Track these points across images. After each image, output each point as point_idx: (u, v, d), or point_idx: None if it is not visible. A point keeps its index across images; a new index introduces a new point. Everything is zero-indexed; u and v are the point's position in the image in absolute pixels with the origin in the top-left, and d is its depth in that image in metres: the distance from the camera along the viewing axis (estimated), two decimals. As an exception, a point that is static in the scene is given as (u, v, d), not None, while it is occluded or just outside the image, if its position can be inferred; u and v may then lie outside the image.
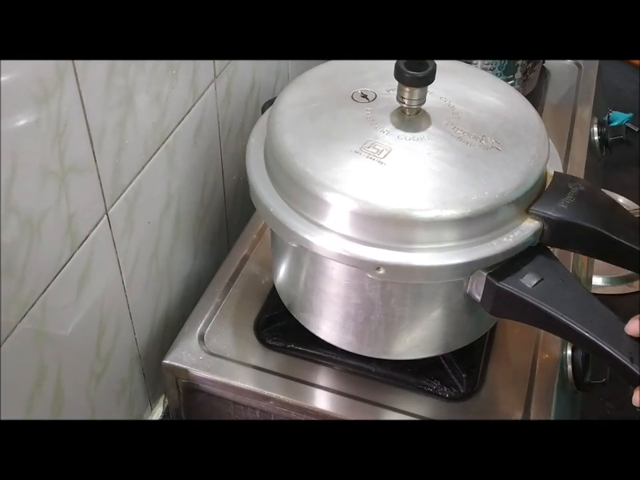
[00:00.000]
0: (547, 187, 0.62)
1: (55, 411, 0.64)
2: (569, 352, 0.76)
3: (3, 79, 0.49)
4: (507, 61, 0.97)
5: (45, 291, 0.59)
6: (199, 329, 0.77)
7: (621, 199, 1.56)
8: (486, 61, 0.97)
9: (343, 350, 0.72)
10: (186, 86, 0.75)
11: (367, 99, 0.66)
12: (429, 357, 0.71)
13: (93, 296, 0.66)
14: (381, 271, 0.59)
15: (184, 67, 0.73)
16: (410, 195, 0.59)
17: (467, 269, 0.60)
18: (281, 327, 0.76)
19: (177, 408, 0.79)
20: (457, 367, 0.72)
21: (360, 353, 0.71)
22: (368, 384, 0.72)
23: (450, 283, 0.63)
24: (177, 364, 0.74)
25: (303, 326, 0.73)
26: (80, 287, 0.64)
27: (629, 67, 1.94)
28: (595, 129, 1.09)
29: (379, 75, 0.68)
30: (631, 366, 0.54)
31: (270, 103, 0.74)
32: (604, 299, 0.59)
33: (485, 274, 0.60)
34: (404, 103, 0.64)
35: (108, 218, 0.66)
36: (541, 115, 0.70)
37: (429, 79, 0.62)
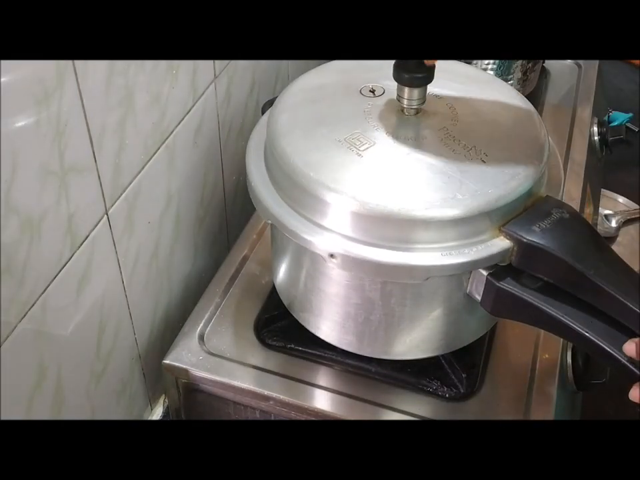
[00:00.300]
0: (528, 208, 0.61)
1: (55, 411, 0.64)
2: (569, 352, 0.76)
3: (2, 79, 0.49)
4: (506, 61, 0.98)
5: (45, 290, 0.59)
6: (198, 329, 0.77)
7: (621, 199, 1.56)
8: (486, 61, 0.97)
9: (343, 350, 0.72)
10: (186, 86, 0.75)
11: (374, 94, 0.67)
12: (429, 357, 0.71)
13: (93, 296, 0.66)
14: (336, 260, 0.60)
15: (184, 67, 0.73)
16: (367, 190, 0.59)
17: (423, 273, 0.59)
18: (281, 327, 0.76)
19: (177, 408, 0.79)
20: (457, 367, 0.72)
21: (360, 353, 0.71)
22: (368, 384, 0.72)
23: (450, 282, 0.63)
24: (176, 364, 0.74)
25: (302, 326, 0.73)
26: (80, 287, 0.64)
27: (629, 67, 1.94)
28: (595, 128, 1.09)
29: None
30: (631, 366, 0.54)
31: (270, 103, 0.74)
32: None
33: (486, 274, 0.60)
34: (403, 102, 0.64)
35: (108, 218, 0.66)
36: (540, 115, 0.70)
37: (427, 79, 0.62)
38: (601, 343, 0.56)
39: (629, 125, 1.78)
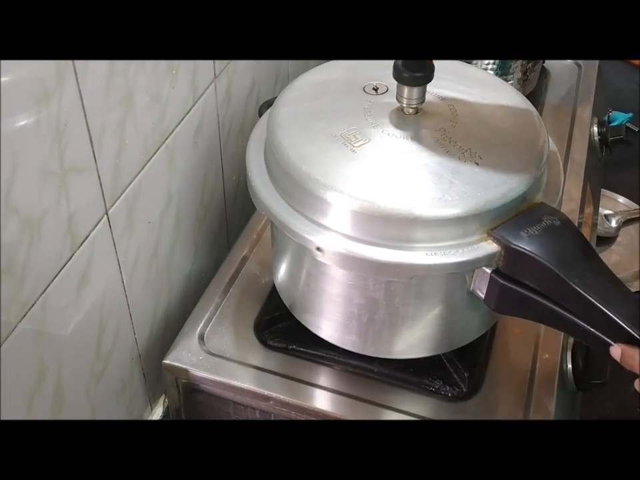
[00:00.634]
0: (520, 213, 0.60)
1: (55, 411, 0.64)
2: (569, 352, 0.76)
3: (3, 79, 0.49)
4: (506, 61, 0.97)
5: (45, 290, 0.59)
6: (199, 328, 0.77)
7: (621, 199, 1.56)
8: (486, 61, 0.97)
9: (345, 350, 0.72)
10: (186, 86, 0.75)
11: (377, 92, 0.67)
12: (431, 357, 0.71)
13: (93, 296, 0.66)
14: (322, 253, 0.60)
15: (184, 67, 0.73)
16: (356, 185, 0.59)
17: (407, 272, 0.60)
18: (282, 328, 0.76)
19: (177, 408, 0.79)
20: (459, 366, 0.72)
21: (363, 353, 0.71)
22: (369, 384, 0.72)
23: (453, 280, 0.63)
24: (176, 364, 0.74)
25: (304, 327, 0.73)
26: (80, 287, 0.64)
27: (629, 67, 1.94)
28: (595, 129, 1.09)
29: None
30: None
31: (267, 104, 0.74)
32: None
33: (489, 271, 0.60)
34: (402, 102, 0.64)
35: (108, 218, 0.66)
36: (540, 115, 0.69)
37: (426, 79, 0.62)
38: (604, 337, 0.56)
39: (628, 125, 1.78)
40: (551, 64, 1.15)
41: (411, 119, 0.64)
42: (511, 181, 0.60)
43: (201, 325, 0.77)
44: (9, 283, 0.54)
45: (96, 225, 0.64)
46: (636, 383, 0.55)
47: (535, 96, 1.05)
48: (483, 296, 0.62)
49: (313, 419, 0.70)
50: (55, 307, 0.61)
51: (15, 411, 0.59)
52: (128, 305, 0.73)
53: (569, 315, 0.57)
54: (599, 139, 1.10)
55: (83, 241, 0.63)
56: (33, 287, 0.58)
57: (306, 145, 0.62)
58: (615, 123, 1.74)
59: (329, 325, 0.70)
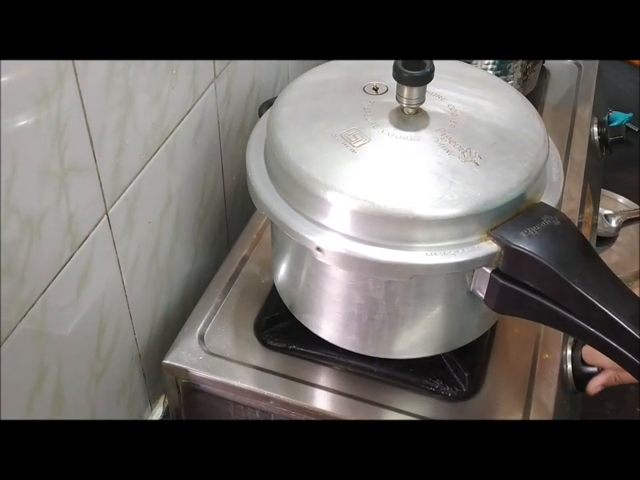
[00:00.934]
0: (520, 213, 0.60)
1: (55, 411, 0.64)
2: (569, 352, 0.76)
3: (2, 79, 0.49)
4: (506, 61, 0.97)
5: (45, 290, 0.59)
6: (199, 328, 0.77)
7: (621, 199, 1.56)
8: (486, 61, 0.97)
9: (345, 350, 0.72)
10: (186, 86, 0.75)
11: (377, 92, 0.67)
12: (431, 357, 0.71)
13: (93, 296, 0.66)
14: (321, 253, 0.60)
15: (184, 67, 0.73)
16: (355, 185, 0.59)
17: (407, 272, 0.60)
18: (282, 329, 0.76)
19: (177, 408, 0.79)
20: (459, 366, 0.72)
21: (363, 353, 0.71)
22: (369, 384, 0.72)
23: (453, 280, 0.63)
24: (176, 364, 0.74)
25: (304, 327, 0.73)
26: (80, 287, 0.64)
27: (629, 67, 1.94)
28: (595, 129, 1.09)
29: None
30: (637, 360, 0.55)
31: (267, 104, 0.74)
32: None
33: (489, 271, 0.60)
34: (402, 102, 0.64)
35: (108, 218, 0.66)
36: (540, 115, 0.69)
37: (426, 78, 0.62)
38: (604, 337, 0.56)
39: (628, 125, 1.78)
40: (550, 64, 1.15)
41: (411, 119, 0.64)
42: (511, 181, 0.60)
43: (201, 325, 0.77)
44: (9, 283, 0.54)
45: (96, 225, 0.64)
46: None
47: (534, 96, 1.05)
48: (482, 296, 0.62)
49: (313, 419, 0.70)
50: (54, 307, 0.61)
51: (14, 411, 0.59)
52: (128, 305, 0.73)
53: (569, 315, 0.57)
54: (599, 139, 1.10)
55: (83, 241, 0.63)
56: (33, 287, 0.58)
57: (306, 144, 0.62)
58: (615, 123, 1.74)
59: (328, 325, 0.70)
